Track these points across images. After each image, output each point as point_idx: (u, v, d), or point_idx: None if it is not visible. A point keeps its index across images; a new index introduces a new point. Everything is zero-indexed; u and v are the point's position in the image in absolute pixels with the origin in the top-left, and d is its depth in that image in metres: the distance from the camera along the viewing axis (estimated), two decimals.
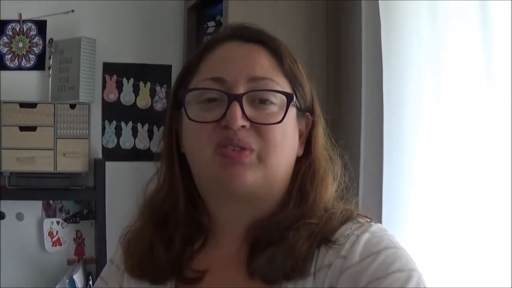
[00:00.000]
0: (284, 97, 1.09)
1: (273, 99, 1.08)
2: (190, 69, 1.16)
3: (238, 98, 1.05)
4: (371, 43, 2.48)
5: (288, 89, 1.11)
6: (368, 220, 1.09)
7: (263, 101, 1.08)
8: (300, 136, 1.15)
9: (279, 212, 1.10)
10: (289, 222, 1.07)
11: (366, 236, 1.02)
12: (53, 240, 3.57)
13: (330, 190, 1.14)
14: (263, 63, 1.10)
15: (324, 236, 1.04)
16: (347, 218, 1.08)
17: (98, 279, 1.33)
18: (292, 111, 1.11)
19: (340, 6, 2.76)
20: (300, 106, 1.13)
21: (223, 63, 1.11)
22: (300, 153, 1.16)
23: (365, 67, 2.52)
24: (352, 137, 2.51)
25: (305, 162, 1.14)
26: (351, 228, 1.05)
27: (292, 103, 1.10)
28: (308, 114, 1.16)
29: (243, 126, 1.04)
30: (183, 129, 1.14)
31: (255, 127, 1.05)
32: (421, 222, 2.08)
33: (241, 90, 1.06)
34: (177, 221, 1.16)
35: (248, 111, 1.05)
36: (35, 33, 3.56)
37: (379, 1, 2.33)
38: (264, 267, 1.04)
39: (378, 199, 2.28)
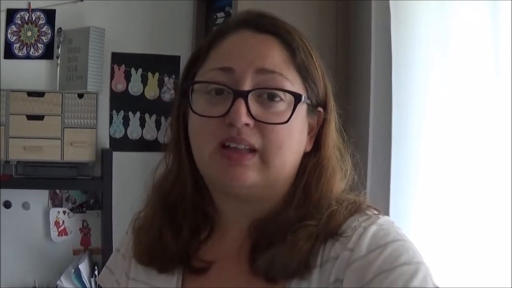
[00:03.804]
0: (292, 96, 1.05)
1: (282, 95, 1.04)
2: (199, 56, 1.13)
3: (243, 95, 1.02)
4: (380, 42, 2.47)
5: (299, 85, 1.07)
6: (376, 213, 1.07)
7: (271, 97, 1.04)
8: (311, 130, 1.12)
9: (281, 212, 1.08)
10: (289, 224, 1.04)
11: (373, 228, 1.00)
12: (59, 229, 3.58)
13: (336, 188, 1.11)
14: (274, 56, 1.07)
15: (329, 233, 1.02)
16: (355, 210, 1.06)
17: (104, 268, 1.33)
18: (302, 107, 1.08)
19: (350, 6, 2.76)
20: (311, 102, 1.10)
21: (232, 53, 1.08)
22: (309, 148, 1.12)
23: (374, 67, 2.52)
24: (360, 134, 2.50)
25: (312, 159, 1.11)
26: (358, 220, 1.03)
27: (300, 103, 1.06)
28: (320, 109, 1.12)
29: (247, 124, 1.01)
30: (190, 123, 1.11)
31: (260, 125, 1.02)
32: (427, 219, 2.09)
33: (248, 83, 1.03)
34: (185, 210, 1.15)
35: (254, 108, 1.02)
36: (43, 22, 3.57)
37: (390, 1, 2.32)
38: (266, 267, 1.03)
39: (386, 196, 2.27)
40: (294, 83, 1.07)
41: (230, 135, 1.01)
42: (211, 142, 1.03)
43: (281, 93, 1.04)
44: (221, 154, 1.02)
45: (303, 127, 1.09)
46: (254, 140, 1.02)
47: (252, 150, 1.02)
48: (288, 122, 1.03)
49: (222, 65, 1.06)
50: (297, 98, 1.05)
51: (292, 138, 1.06)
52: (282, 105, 1.04)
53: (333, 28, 2.76)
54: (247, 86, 1.03)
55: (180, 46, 3.71)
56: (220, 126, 1.02)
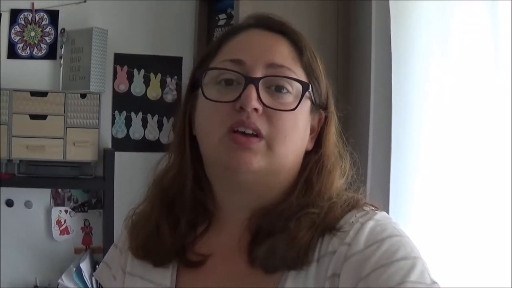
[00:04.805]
0: (299, 87, 1.09)
1: (289, 88, 1.09)
2: (210, 53, 1.17)
3: (254, 81, 1.06)
4: (380, 43, 2.48)
5: (304, 80, 1.12)
6: (373, 208, 1.09)
7: (279, 89, 1.08)
8: (312, 131, 1.16)
9: (283, 202, 1.10)
10: (291, 212, 1.07)
11: (370, 223, 1.02)
12: (61, 228, 3.59)
13: (336, 183, 1.14)
14: (282, 52, 1.11)
15: (327, 226, 1.05)
16: (353, 206, 1.09)
17: (101, 263, 1.34)
18: (306, 103, 1.12)
19: (350, 6, 2.77)
20: (314, 100, 1.14)
21: (243, 47, 1.12)
22: (310, 147, 1.16)
23: (374, 68, 2.53)
24: (360, 135, 2.51)
25: (314, 157, 1.14)
26: (356, 216, 1.05)
27: (307, 93, 1.10)
28: (321, 110, 1.16)
29: (256, 110, 1.04)
30: (197, 111, 1.14)
31: (268, 113, 1.06)
32: (426, 218, 2.08)
33: (258, 74, 1.07)
34: (183, 203, 1.17)
35: (263, 96, 1.06)
36: (47, 22, 3.58)
37: (390, 1, 2.33)
38: (264, 257, 1.04)
39: (385, 195, 2.28)
40: (300, 78, 1.11)
41: (239, 119, 1.05)
42: (221, 127, 1.06)
43: (288, 86, 1.09)
44: (230, 138, 1.05)
45: (306, 123, 1.13)
46: (261, 126, 1.05)
47: (259, 137, 1.05)
48: (295, 113, 1.08)
49: (232, 57, 1.10)
50: (304, 87, 1.09)
51: (297, 130, 1.09)
52: (290, 97, 1.09)
53: (334, 28, 2.77)
54: (258, 75, 1.07)
55: (182, 48, 3.73)
56: (230, 112, 1.06)
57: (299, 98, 1.09)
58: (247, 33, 1.15)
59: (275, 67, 1.09)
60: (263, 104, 1.06)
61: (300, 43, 1.14)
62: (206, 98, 1.09)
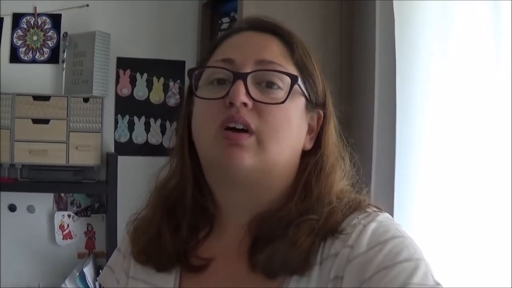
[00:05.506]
0: (290, 81, 1.08)
1: (280, 84, 1.08)
2: (205, 57, 1.18)
3: (242, 76, 1.06)
4: (384, 43, 2.48)
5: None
6: (376, 210, 1.08)
7: (270, 85, 1.08)
8: (311, 131, 1.15)
9: (282, 207, 1.09)
10: (291, 218, 1.06)
11: (373, 225, 1.01)
12: (63, 233, 3.59)
13: (336, 185, 1.12)
14: (273, 49, 1.11)
15: (328, 230, 1.04)
16: (355, 208, 1.07)
17: (105, 267, 1.34)
18: (300, 100, 1.11)
19: (354, 6, 2.76)
20: (309, 96, 1.13)
21: (234, 47, 1.13)
22: (309, 146, 1.15)
23: (378, 68, 2.52)
24: (364, 137, 2.51)
25: (313, 158, 1.13)
26: (358, 218, 1.04)
27: (299, 90, 1.10)
28: (319, 109, 1.15)
29: (245, 104, 1.04)
30: (193, 113, 1.14)
31: (258, 107, 1.05)
32: (431, 220, 2.08)
33: (248, 70, 1.07)
34: (185, 209, 1.16)
35: (253, 91, 1.06)
36: (49, 26, 3.59)
37: (394, 1, 2.32)
38: (265, 262, 1.04)
39: (390, 197, 2.27)
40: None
41: (229, 114, 1.04)
42: (212, 125, 1.06)
43: (279, 82, 1.08)
44: (221, 135, 1.04)
45: (301, 120, 1.12)
46: (251, 120, 1.04)
47: (250, 132, 1.04)
48: (286, 108, 1.07)
49: (223, 56, 1.11)
50: (293, 79, 1.08)
51: (290, 126, 1.09)
52: (280, 93, 1.08)
53: (337, 29, 2.77)
54: (247, 71, 1.07)
55: (185, 51, 3.73)
56: (220, 109, 1.06)
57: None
58: (239, 35, 1.16)
59: (265, 63, 1.09)
60: (252, 99, 1.05)
61: (292, 41, 1.14)
62: (196, 96, 1.10)
